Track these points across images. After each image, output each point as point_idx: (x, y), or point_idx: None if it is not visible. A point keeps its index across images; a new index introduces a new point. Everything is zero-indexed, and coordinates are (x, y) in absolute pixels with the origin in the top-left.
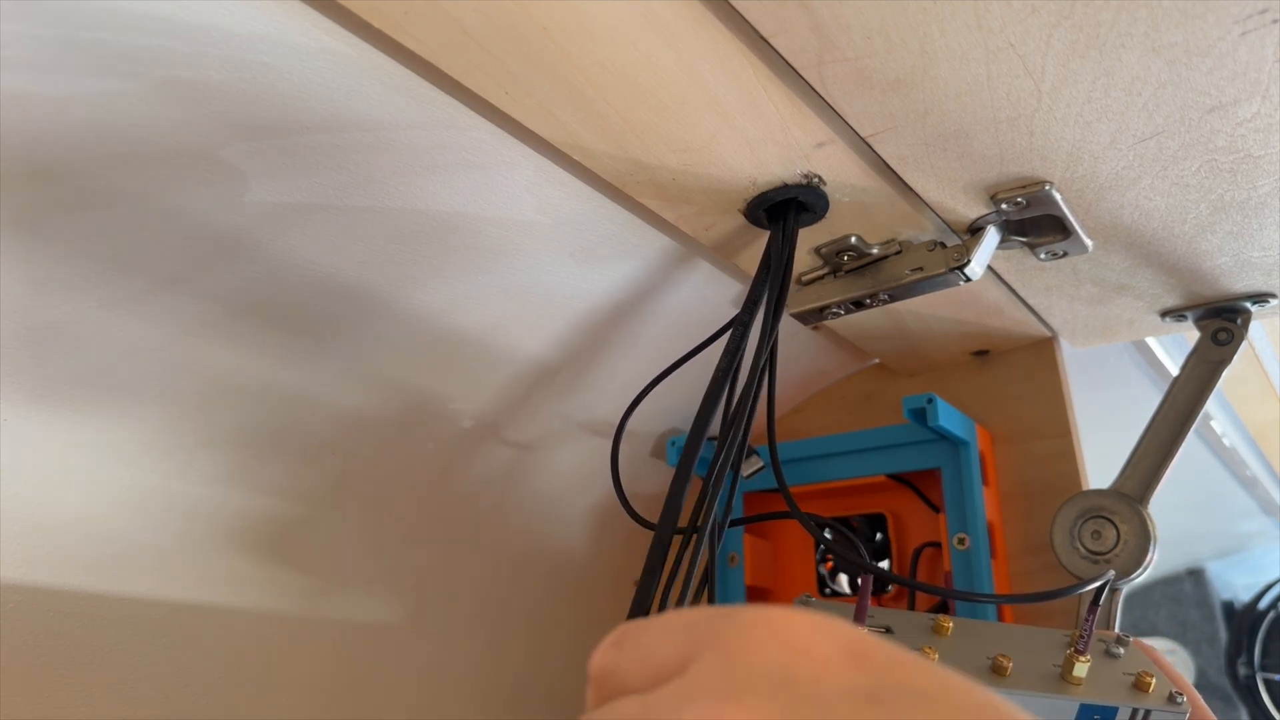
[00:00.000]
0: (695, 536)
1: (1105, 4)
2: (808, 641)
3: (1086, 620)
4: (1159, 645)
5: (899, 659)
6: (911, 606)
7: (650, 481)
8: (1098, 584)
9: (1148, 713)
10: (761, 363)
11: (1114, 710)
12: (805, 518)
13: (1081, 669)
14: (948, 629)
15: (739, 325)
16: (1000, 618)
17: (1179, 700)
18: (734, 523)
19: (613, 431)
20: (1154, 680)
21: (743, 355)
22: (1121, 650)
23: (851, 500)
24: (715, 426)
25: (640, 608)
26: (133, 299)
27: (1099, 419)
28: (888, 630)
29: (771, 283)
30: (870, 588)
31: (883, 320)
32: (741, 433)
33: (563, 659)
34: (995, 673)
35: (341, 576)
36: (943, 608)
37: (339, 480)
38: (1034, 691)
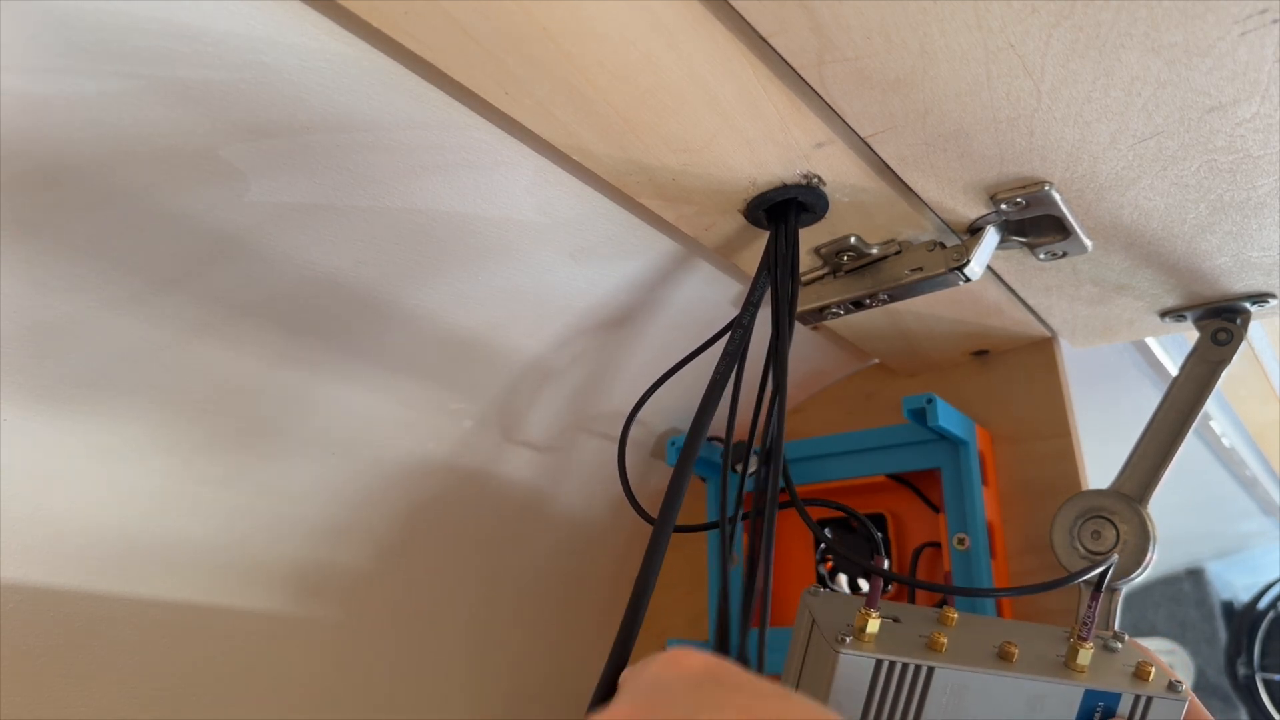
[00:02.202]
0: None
1: (1105, 4)
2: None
3: (1089, 607)
4: (1158, 645)
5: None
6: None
7: (650, 481)
8: (1100, 569)
9: (1149, 700)
10: (769, 366)
11: (1117, 697)
12: (837, 513)
13: (1085, 656)
14: (953, 619)
15: (739, 327)
16: (1000, 615)
17: (1179, 688)
18: (744, 517)
19: (611, 431)
20: (1153, 669)
21: (739, 357)
22: (1119, 645)
23: (851, 500)
24: (716, 427)
25: (638, 601)
26: (133, 299)
27: (1099, 419)
28: (895, 620)
29: (781, 282)
30: (880, 586)
31: (883, 320)
32: (764, 433)
33: (558, 659)
34: (1002, 659)
35: (341, 576)
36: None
37: (338, 480)
38: (1041, 676)
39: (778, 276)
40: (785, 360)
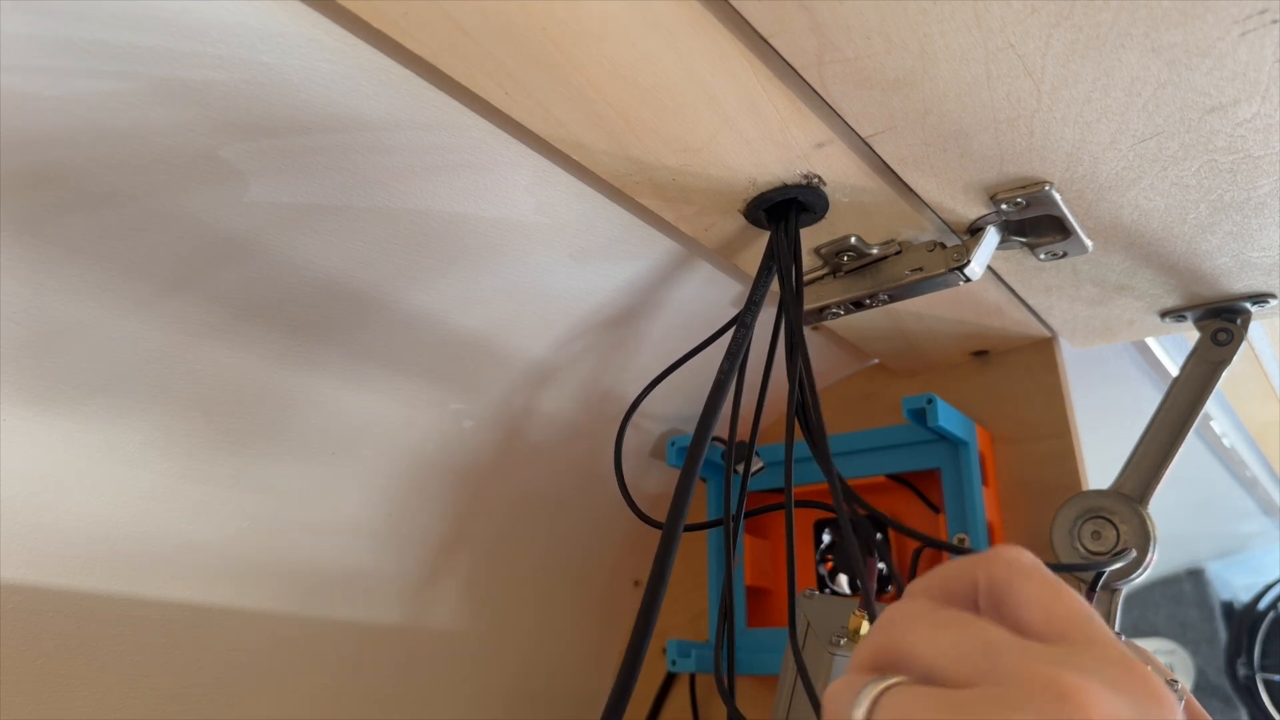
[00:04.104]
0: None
1: (1105, 4)
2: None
3: None
4: (1159, 646)
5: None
6: None
7: (650, 481)
8: (1120, 564)
9: None
10: (769, 366)
11: None
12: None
13: None
14: None
15: (741, 326)
16: None
17: (1174, 687)
18: (748, 515)
19: (611, 431)
20: (1149, 667)
21: (744, 356)
22: None
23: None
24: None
25: (649, 605)
26: (133, 300)
27: (1099, 419)
28: None
29: (784, 281)
30: (875, 571)
31: (883, 320)
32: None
33: (560, 658)
34: None
35: (341, 577)
36: None
37: (339, 480)
38: None
39: (786, 277)
40: (798, 363)
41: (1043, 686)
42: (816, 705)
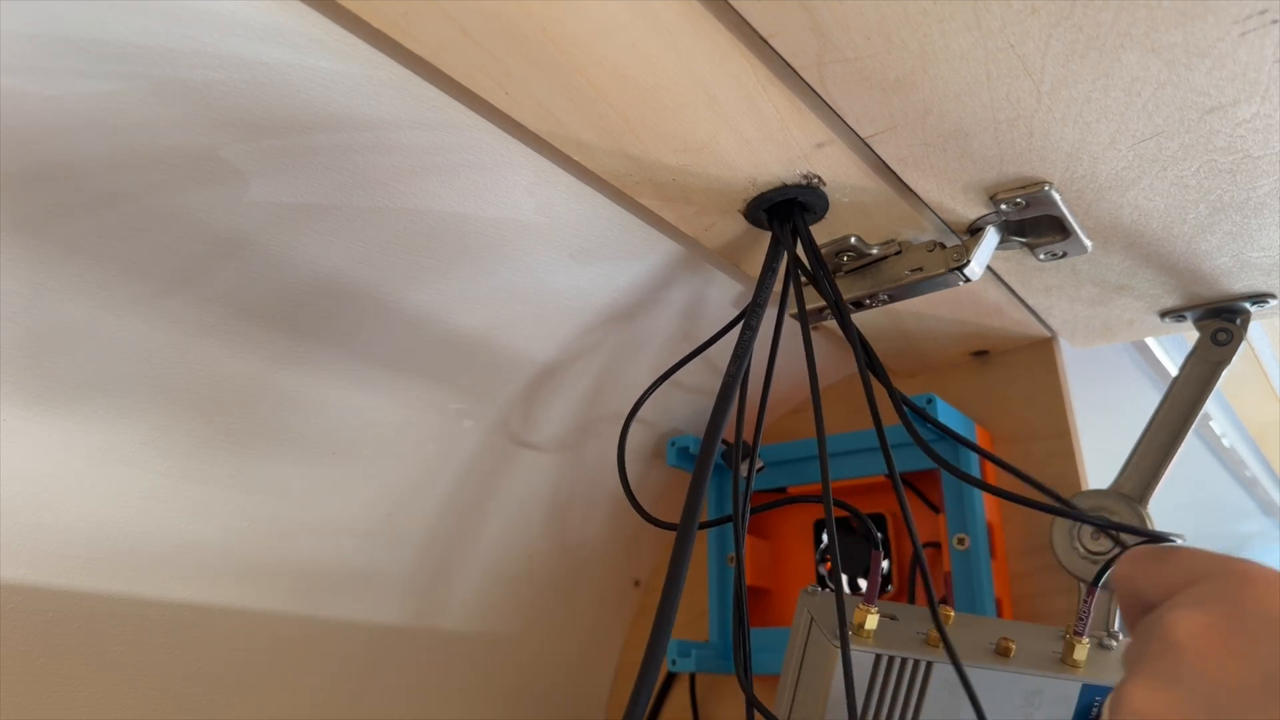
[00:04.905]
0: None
1: (1105, 4)
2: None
3: (1085, 602)
4: None
5: None
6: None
7: (651, 481)
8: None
9: None
10: (772, 364)
11: None
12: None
13: (1081, 651)
14: (950, 617)
15: (747, 328)
16: (999, 616)
17: None
18: (753, 512)
19: (612, 431)
20: None
21: (751, 357)
22: (1114, 643)
23: (851, 500)
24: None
25: (667, 607)
26: (132, 299)
27: (1099, 419)
28: (893, 618)
29: (811, 264)
30: (880, 565)
31: (883, 320)
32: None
33: (561, 659)
34: (1000, 654)
35: (341, 577)
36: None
37: (339, 480)
38: (1039, 671)
39: (818, 278)
40: (854, 334)
41: (1223, 570)
42: (853, 703)
